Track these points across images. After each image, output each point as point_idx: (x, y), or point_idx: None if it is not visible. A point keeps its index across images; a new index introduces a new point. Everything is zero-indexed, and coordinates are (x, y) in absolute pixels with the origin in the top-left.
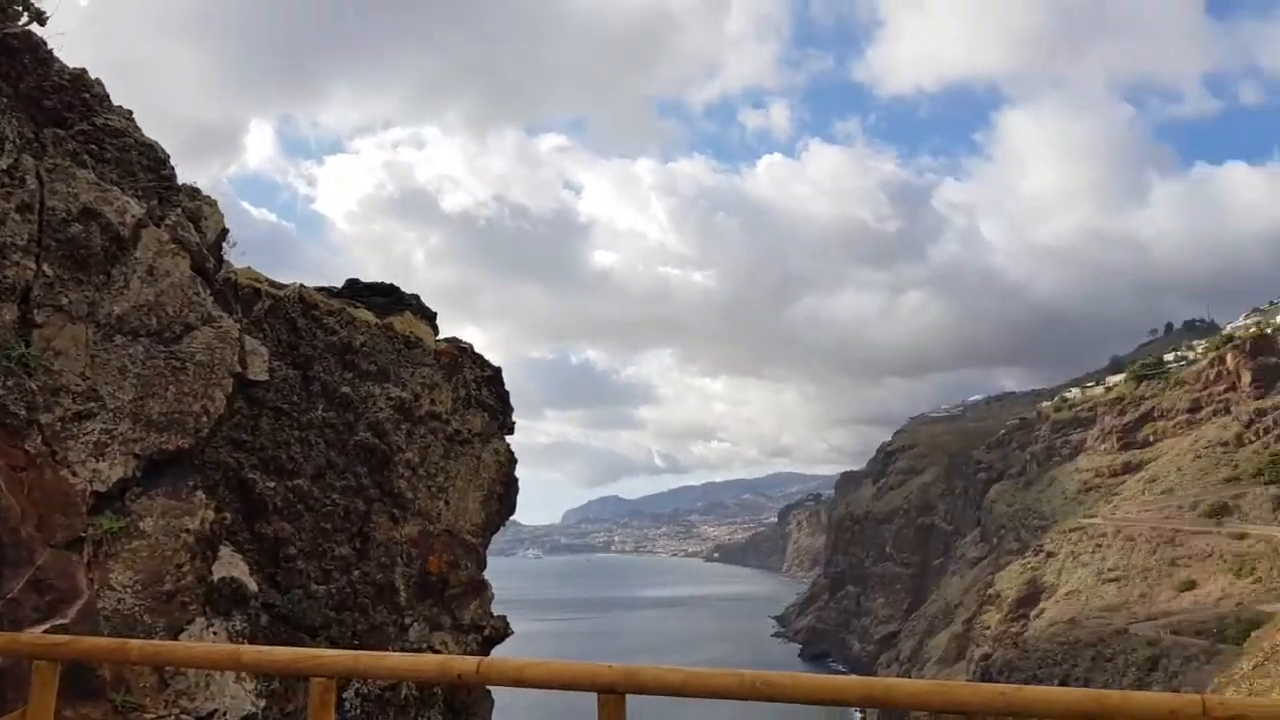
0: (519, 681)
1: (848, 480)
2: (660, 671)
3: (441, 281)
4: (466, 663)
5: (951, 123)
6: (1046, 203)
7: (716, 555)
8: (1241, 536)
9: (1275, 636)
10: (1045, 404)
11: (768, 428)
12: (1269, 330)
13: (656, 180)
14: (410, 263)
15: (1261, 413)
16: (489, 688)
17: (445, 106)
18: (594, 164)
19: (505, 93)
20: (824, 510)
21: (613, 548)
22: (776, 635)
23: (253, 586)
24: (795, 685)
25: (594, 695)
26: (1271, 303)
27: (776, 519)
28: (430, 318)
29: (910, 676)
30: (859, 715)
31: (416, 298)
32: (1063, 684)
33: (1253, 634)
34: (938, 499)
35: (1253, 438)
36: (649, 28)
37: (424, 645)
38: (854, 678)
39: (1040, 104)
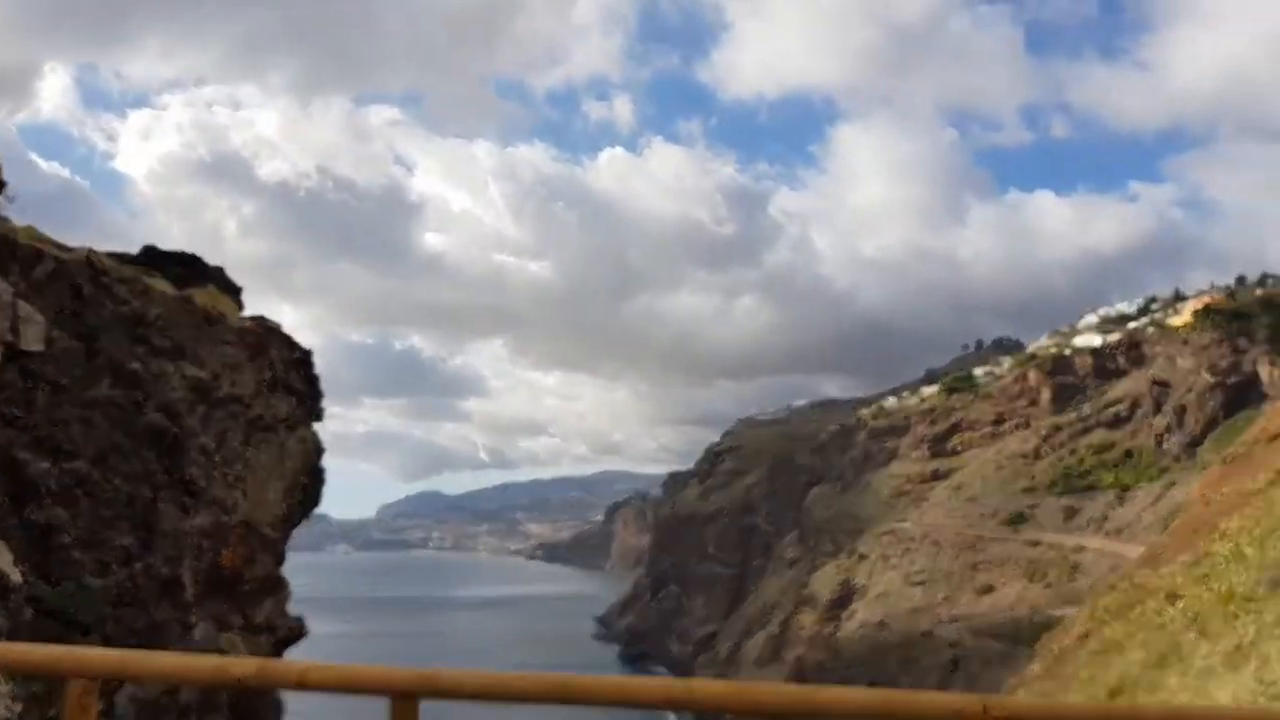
0: (302, 685)
1: (675, 480)
2: (458, 675)
3: (254, 254)
4: (246, 665)
5: (789, 132)
6: (874, 217)
7: (540, 554)
8: (1035, 543)
9: (1063, 640)
10: (865, 411)
11: (599, 425)
12: (1067, 351)
13: (494, 164)
14: (220, 232)
15: (1057, 428)
16: (280, 693)
17: (268, 66)
18: (428, 141)
19: (334, 57)
20: (650, 509)
21: (431, 544)
22: (597, 637)
23: (16, 577)
24: (597, 687)
25: (386, 701)
26: (1071, 326)
27: (603, 517)
28: (235, 292)
29: (727, 678)
30: (672, 718)
31: (221, 270)
32: (871, 684)
33: (1043, 637)
34: (761, 500)
35: (1049, 450)
36: (492, 4)
37: (210, 646)
38: (656, 679)
39: (872, 121)
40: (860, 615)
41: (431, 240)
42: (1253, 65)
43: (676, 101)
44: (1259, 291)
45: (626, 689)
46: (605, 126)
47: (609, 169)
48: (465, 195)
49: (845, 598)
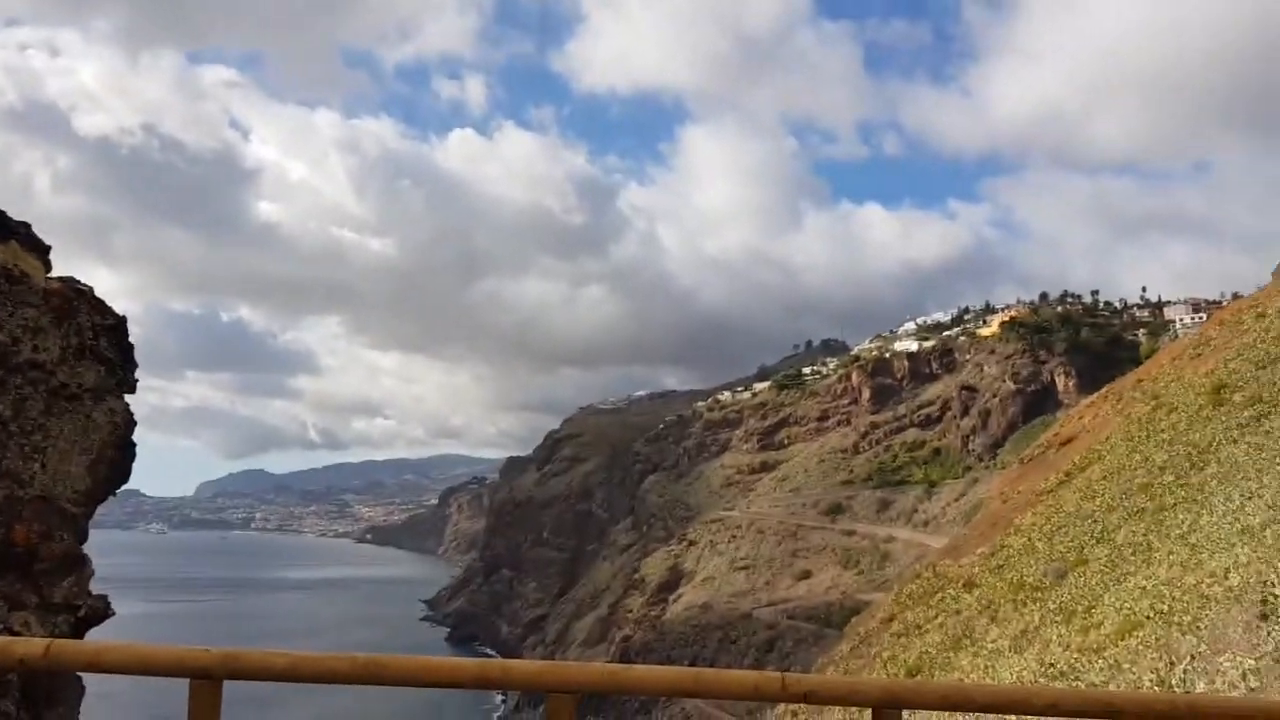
0: (95, 666)
1: (513, 465)
2: (265, 655)
3: (68, 212)
4: (32, 645)
5: (640, 128)
6: (717, 218)
7: (369, 537)
8: (851, 533)
9: (869, 623)
10: (701, 404)
11: (437, 408)
12: (888, 355)
13: (337, 135)
14: (31, 186)
15: (875, 425)
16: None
17: (92, 12)
18: (267, 106)
19: (168, 8)
20: (487, 494)
21: (254, 525)
22: (425, 619)
23: None
24: (411, 667)
25: (187, 681)
26: (892, 331)
27: (437, 501)
28: (43, 251)
29: (554, 659)
30: (500, 697)
31: (27, 226)
32: (692, 663)
33: (853, 620)
34: (597, 487)
35: (866, 446)
36: None
37: (1, 626)
38: (471, 660)
39: (719, 124)
40: (686, 598)
41: (266, 209)
42: (1064, 102)
43: (530, 88)
44: (1059, 309)
45: (441, 669)
46: (456, 106)
47: (459, 149)
48: (304, 165)
49: (673, 581)
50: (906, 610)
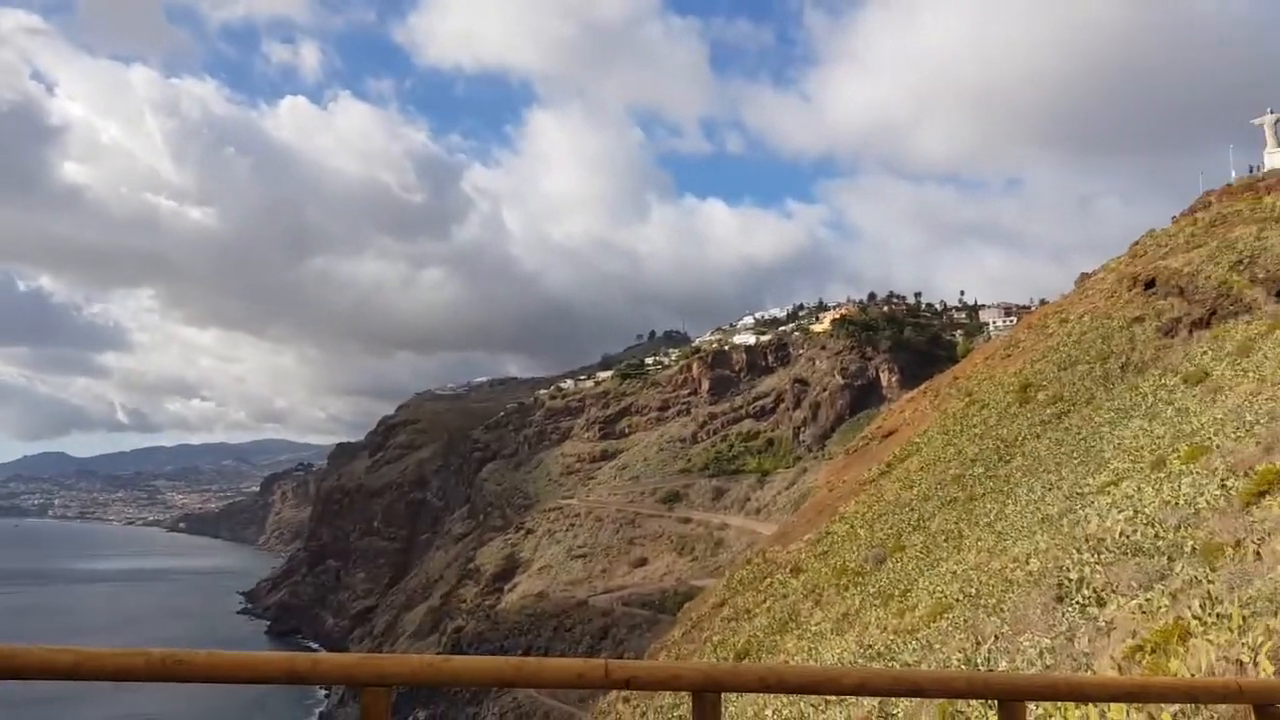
0: None
1: (343, 451)
2: (47, 653)
3: None
4: None
5: (486, 108)
6: (563, 204)
7: (183, 525)
8: (686, 521)
9: (701, 608)
10: (543, 391)
11: (261, 390)
12: (726, 347)
13: (155, 94)
14: None
15: (713, 416)
16: None
17: None
18: (76, 59)
19: None
20: (313, 481)
21: (50, 512)
22: (243, 612)
23: None
24: (212, 664)
25: None
26: (731, 324)
27: (259, 488)
28: None
29: (382, 650)
30: (324, 692)
31: None
32: (526, 653)
33: (686, 606)
34: (433, 475)
35: (705, 436)
36: None
37: None
38: (280, 654)
39: (567, 110)
40: (522, 587)
41: (72, 171)
42: (895, 111)
43: (369, 58)
44: (886, 308)
45: (247, 664)
46: (288, 72)
47: (290, 118)
48: (117, 125)
49: (509, 570)
50: (737, 595)
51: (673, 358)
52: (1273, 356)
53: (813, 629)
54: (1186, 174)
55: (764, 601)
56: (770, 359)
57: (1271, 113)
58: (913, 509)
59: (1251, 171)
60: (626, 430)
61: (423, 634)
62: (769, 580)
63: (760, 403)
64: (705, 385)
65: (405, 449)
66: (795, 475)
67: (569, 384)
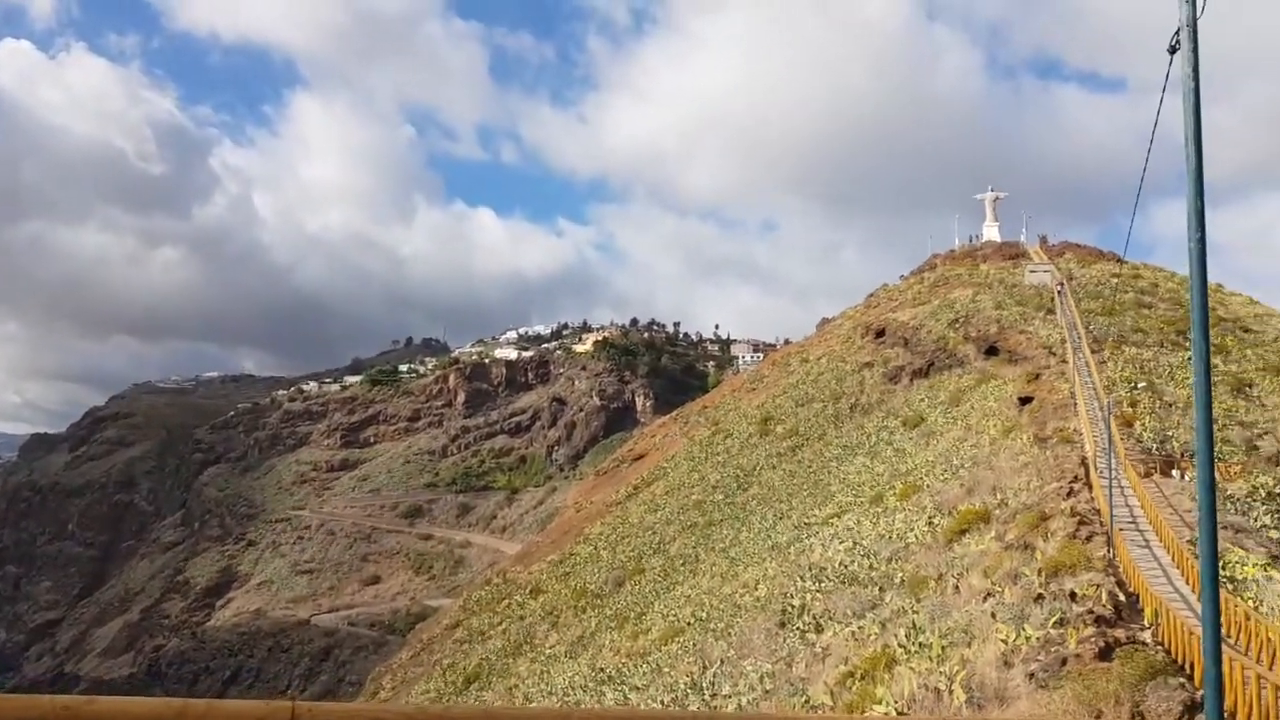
0: None
1: (40, 443)
2: None
3: None
4: None
5: (243, 83)
6: (323, 194)
7: None
8: (428, 537)
9: (434, 630)
10: (281, 392)
11: None
12: (487, 360)
13: None
14: None
15: (467, 430)
16: None
17: None
18: None
19: None
20: (0, 475)
21: None
22: None
23: None
24: None
25: None
26: (494, 337)
27: None
28: None
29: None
30: None
31: None
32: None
33: (418, 626)
34: (144, 476)
35: (455, 450)
36: None
37: None
38: None
39: (334, 97)
40: (237, 603)
41: None
42: (666, 145)
43: (111, 10)
44: (646, 334)
45: None
46: (12, 13)
47: (10, 64)
48: None
49: (224, 585)
50: (473, 616)
51: (429, 367)
52: (979, 407)
53: (547, 651)
54: (917, 235)
55: (500, 623)
56: (531, 375)
57: (992, 191)
58: (655, 532)
59: (971, 240)
60: (372, 439)
61: (115, 652)
62: (507, 601)
63: (517, 419)
64: (461, 397)
65: (114, 445)
66: (545, 494)
67: (312, 386)
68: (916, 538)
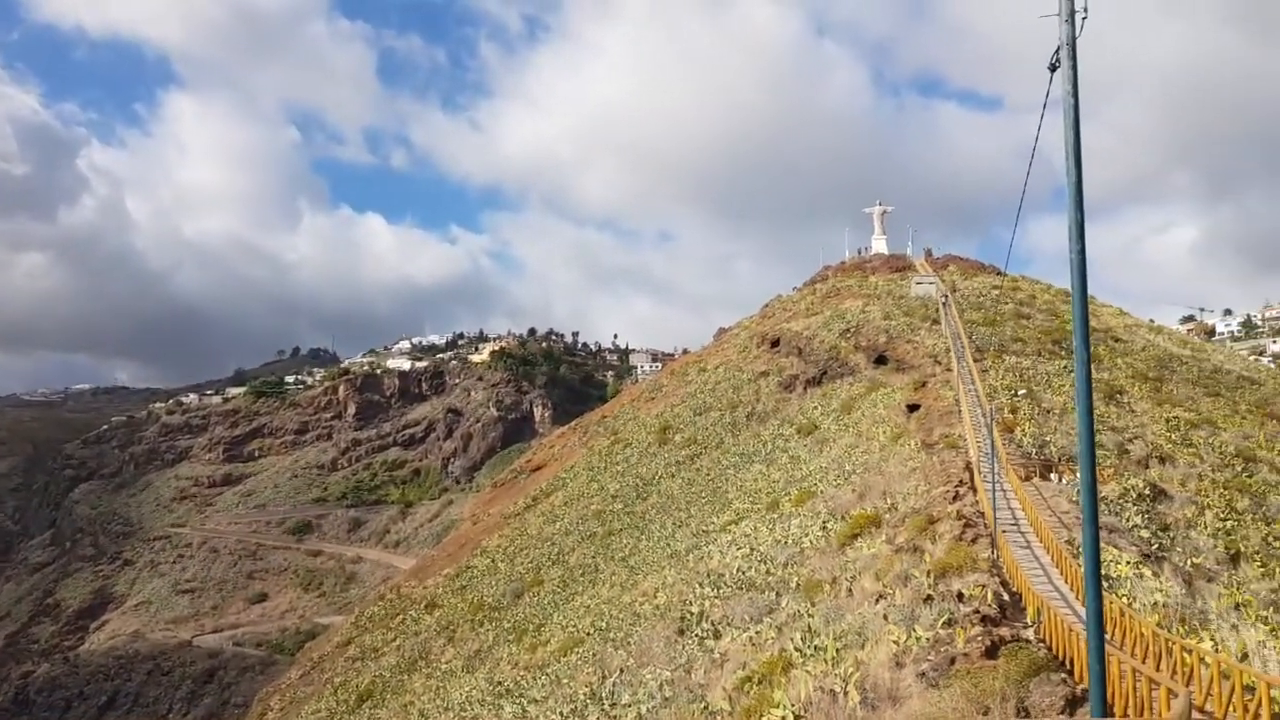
0: None
1: None
2: None
3: None
4: None
5: (113, 80)
6: (201, 198)
7: None
8: (317, 553)
9: (324, 648)
10: (159, 405)
11: None
12: (379, 371)
13: None
14: None
15: (358, 442)
16: None
17: None
18: None
19: None
20: None
21: None
22: None
23: None
24: None
25: None
26: (386, 347)
27: None
28: None
29: None
30: None
31: None
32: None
33: (307, 645)
34: (9, 494)
35: (346, 463)
36: None
37: None
38: None
39: (212, 97)
40: (113, 625)
41: None
42: (561, 154)
43: None
44: (544, 344)
45: None
46: None
47: None
48: None
49: (99, 606)
50: (365, 633)
51: (318, 377)
52: (869, 415)
53: (443, 667)
54: (808, 247)
55: (394, 639)
56: (425, 386)
57: (879, 205)
58: (554, 543)
59: (860, 253)
60: (257, 453)
61: None
62: (401, 617)
63: (410, 431)
64: (352, 409)
65: None
66: (440, 507)
67: (192, 399)
68: (811, 543)
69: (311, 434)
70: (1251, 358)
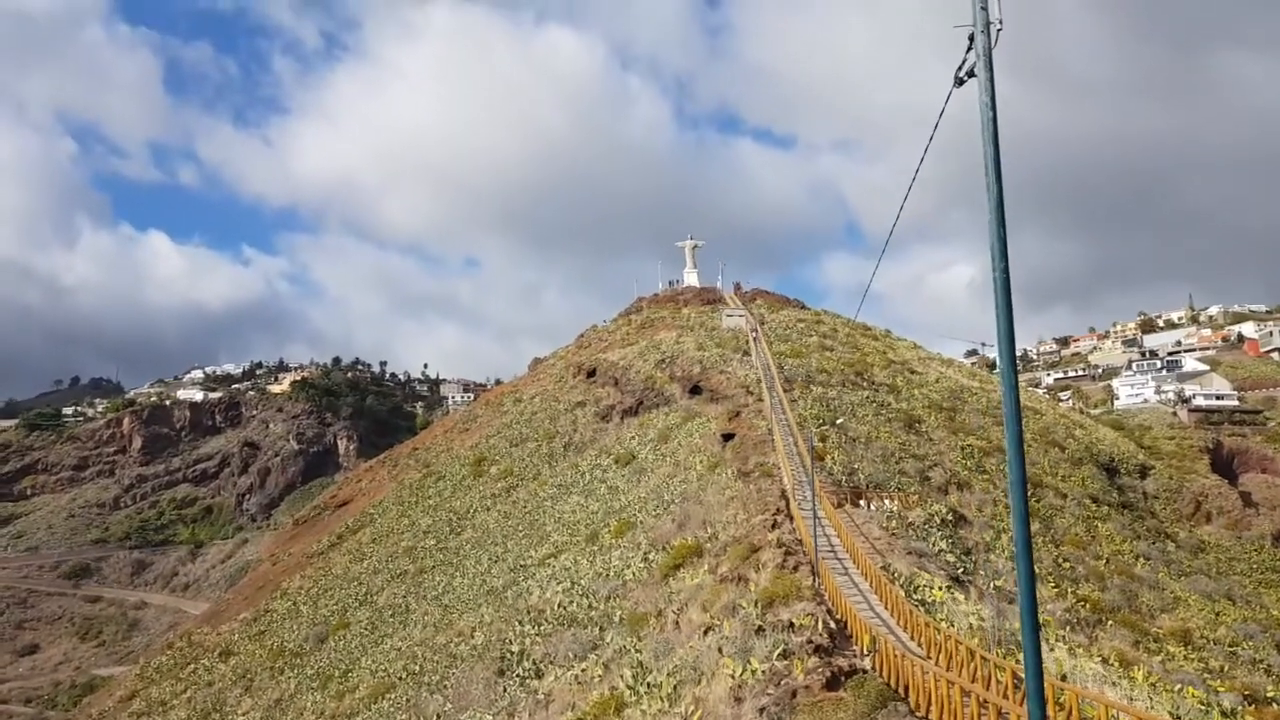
0: None
1: None
2: None
3: None
4: None
5: None
6: None
7: None
8: (96, 599)
9: (105, 702)
10: None
11: None
12: (168, 402)
13: None
14: None
15: (144, 479)
16: None
17: None
18: None
19: None
20: None
21: None
22: None
23: None
24: None
25: None
26: (176, 377)
27: None
28: None
29: None
30: None
31: None
32: None
33: (85, 700)
34: None
35: (130, 501)
36: None
37: None
38: None
39: None
40: None
41: None
42: (363, 176)
43: None
44: (350, 374)
45: None
46: None
47: None
48: None
49: None
50: (152, 685)
51: (99, 409)
52: (686, 444)
53: (240, 718)
54: (618, 278)
55: (184, 691)
56: (219, 418)
57: (691, 239)
58: (362, 583)
59: (672, 285)
60: (29, 491)
61: None
62: (193, 666)
63: (203, 465)
64: (137, 443)
65: None
66: (235, 547)
67: None
68: (634, 574)
69: (92, 470)
70: (1029, 389)
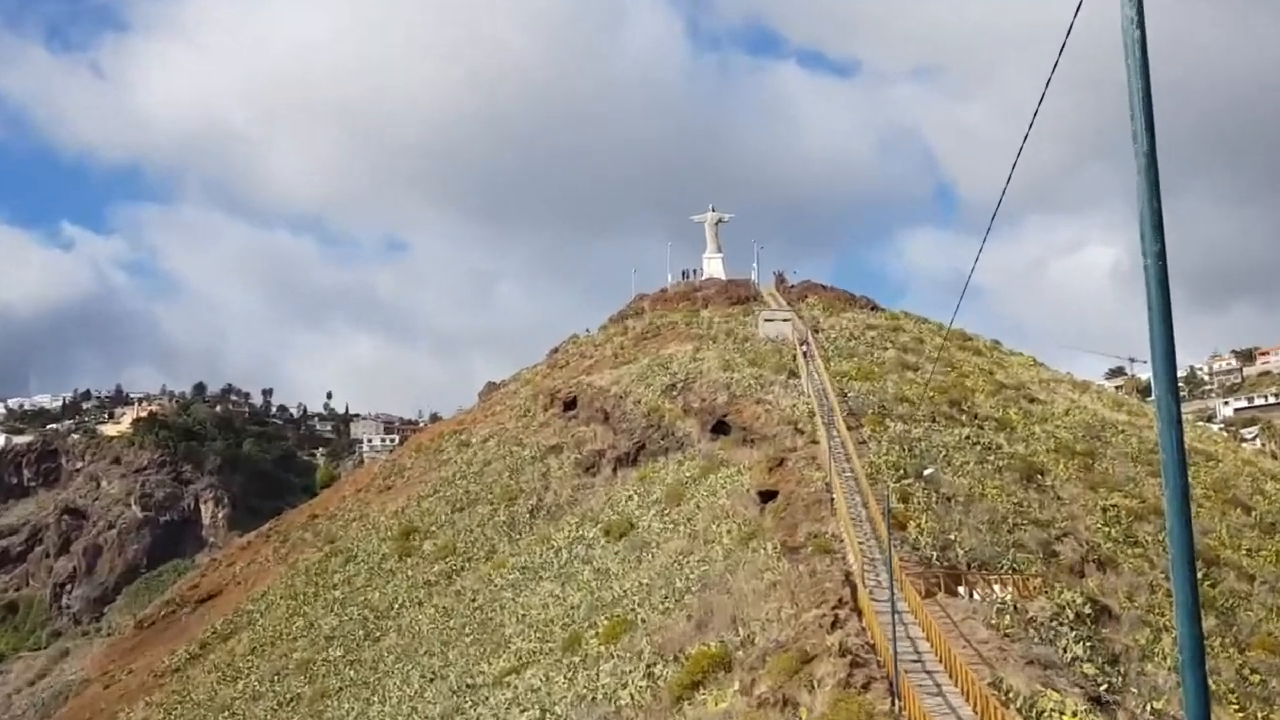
0: None
1: None
2: None
3: None
4: None
5: None
6: None
7: None
8: None
9: None
10: None
11: None
12: None
13: None
14: None
15: None
16: None
17: None
18: None
19: None
20: None
21: None
22: None
23: None
24: None
25: None
26: None
27: None
28: None
29: None
30: None
31: None
32: None
33: None
34: None
35: None
36: None
37: None
38: None
39: None
40: None
41: None
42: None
43: None
44: (219, 409)
45: None
46: None
47: None
48: None
49: None
50: None
51: None
52: (707, 506)
53: None
54: (608, 266)
55: None
56: (27, 474)
57: (713, 211)
58: (235, 713)
59: (688, 277)
60: None
61: None
62: None
63: (4, 543)
64: None
65: None
66: (51, 661)
67: None
68: (632, 696)
69: None
70: (1199, 424)
